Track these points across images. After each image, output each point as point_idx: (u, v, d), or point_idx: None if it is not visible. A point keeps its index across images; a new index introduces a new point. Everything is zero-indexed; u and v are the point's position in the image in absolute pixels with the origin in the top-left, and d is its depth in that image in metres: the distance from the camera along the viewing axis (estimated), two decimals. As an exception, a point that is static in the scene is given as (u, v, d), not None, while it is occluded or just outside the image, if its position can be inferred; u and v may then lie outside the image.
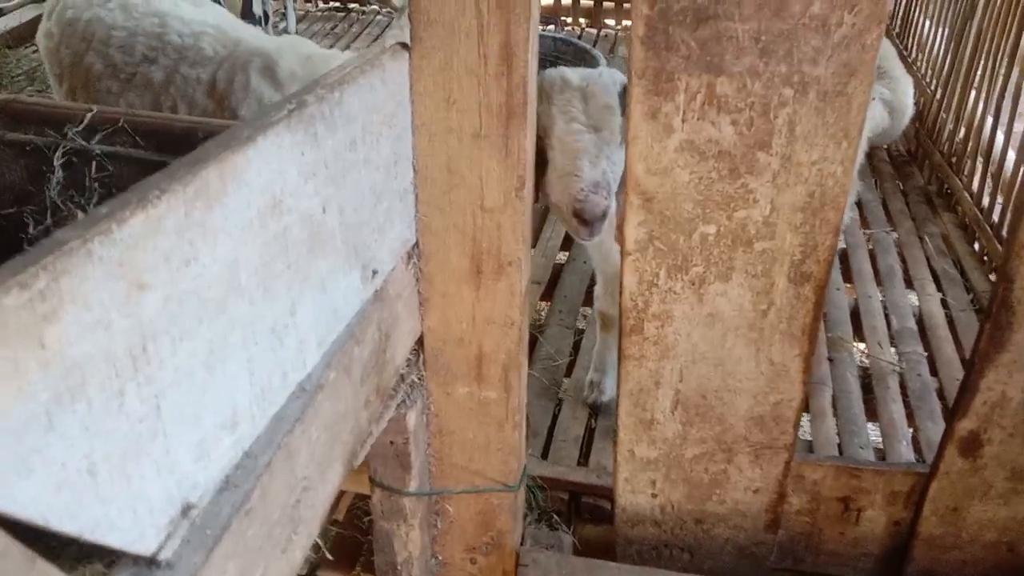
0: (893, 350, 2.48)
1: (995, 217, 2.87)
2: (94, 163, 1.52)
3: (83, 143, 1.54)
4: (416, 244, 1.36)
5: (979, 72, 3.24)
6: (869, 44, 1.11)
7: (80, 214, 1.47)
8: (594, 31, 5.33)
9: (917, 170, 3.59)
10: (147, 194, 0.69)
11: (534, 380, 2.26)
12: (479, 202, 1.31)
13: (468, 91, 1.21)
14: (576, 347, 2.48)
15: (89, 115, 1.54)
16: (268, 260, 0.88)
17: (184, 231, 0.73)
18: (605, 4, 5.30)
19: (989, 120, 3.09)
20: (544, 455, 2.06)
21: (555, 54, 4.32)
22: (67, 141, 1.54)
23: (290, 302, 0.94)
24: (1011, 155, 2.91)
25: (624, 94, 1.63)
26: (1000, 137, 3.02)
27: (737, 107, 1.19)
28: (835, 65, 1.13)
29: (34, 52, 4.98)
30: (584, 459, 2.04)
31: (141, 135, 1.54)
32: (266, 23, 4.29)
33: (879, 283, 2.83)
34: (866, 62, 1.12)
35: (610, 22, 5.38)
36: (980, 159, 3.11)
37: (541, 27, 4.81)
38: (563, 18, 5.40)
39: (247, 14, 4.24)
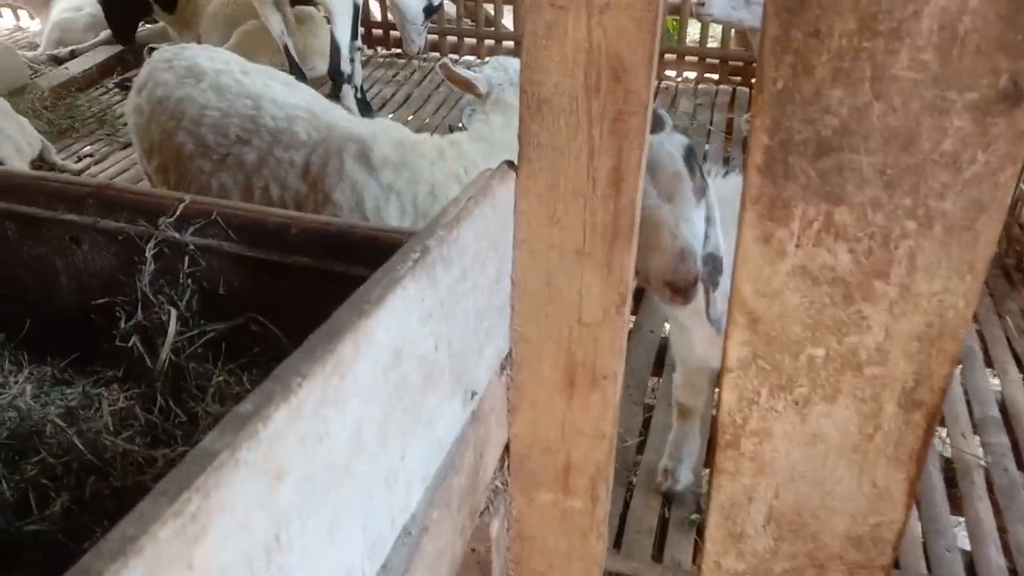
0: (977, 439, 2.38)
1: (1082, 301, 2.76)
2: (187, 257, 1.52)
3: (176, 235, 1.54)
4: (509, 353, 1.33)
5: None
6: (1002, 183, 1.06)
7: (172, 311, 1.46)
8: (655, 82, 5.30)
9: (993, 240, 3.48)
10: (289, 383, 0.66)
11: (604, 462, 2.21)
12: (577, 316, 1.27)
13: (573, 211, 1.19)
14: (646, 424, 2.42)
15: (181, 206, 1.55)
16: (388, 412, 0.85)
17: (319, 408, 0.71)
18: (666, 56, 5.29)
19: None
20: (616, 544, 2.01)
21: (619, 110, 4.30)
22: (159, 232, 1.54)
23: (402, 447, 0.91)
24: (1100, 235, 2.81)
25: (689, 156, 1.60)
26: (1087, 214, 2.92)
27: (856, 236, 1.15)
28: (964, 201, 1.08)
29: (103, 95, 5.11)
30: (658, 552, 1.98)
31: (233, 228, 1.54)
32: (349, 82, 4.33)
33: (958, 362, 2.74)
34: (998, 199, 1.07)
35: (670, 73, 5.37)
36: (1064, 235, 3.01)
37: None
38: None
39: (335, 73, 4.32)
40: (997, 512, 2.11)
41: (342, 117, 2.18)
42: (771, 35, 1.02)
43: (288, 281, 1.50)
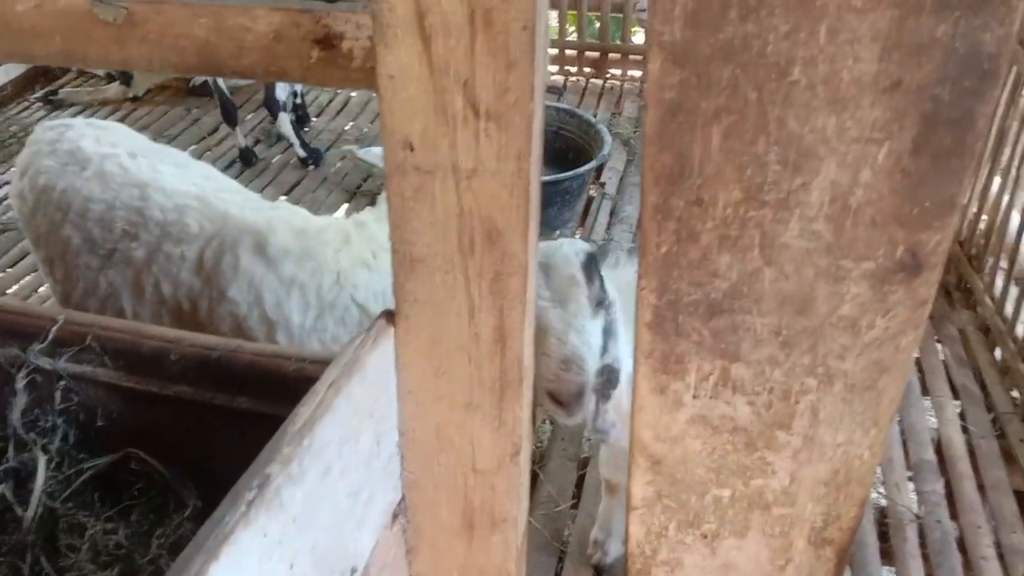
0: (911, 485, 2.37)
1: (1019, 330, 2.74)
2: (58, 392, 1.41)
3: (49, 362, 1.44)
4: (403, 498, 1.25)
5: (1006, 157, 3.11)
6: (904, 346, 0.99)
7: (41, 459, 1.37)
8: (599, 82, 5.20)
9: (934, 254, 3.45)
10: None
11: (534, 531, 2.16)
12: (470, 464, 1.20)
13: (458, 366, 1.11)
14: (580, 482, 2.37)
15: (53, 329, 1.44)
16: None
17: None
18: (610, 55, 5.17)
19: (1015, 216, 2.96)
20: (544, 623, 1.96)
21: (559, 125, 4.22)
22: (29, 360, 1.44)
23: None
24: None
25: (588, 263, 1.53)
26: (1026, 238, 2.89)
27: (755, 390, 1.08)
28: (865, 362, 1.02)
29: (23, 112, 4.88)
30: (587, 633, 1.94)
31: (110, 353, 1.44)
32: (288, 110, 4.20)
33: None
34: (900, 361, 1.01)
35: (615, 72, 5.25)
36: (1004, 257, 2.98)
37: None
38: (567, 68, 5.27)
39: (271, 100, 4.17)
40: (930, 569, 2.09)
41: (236, 204, 2.04)
42: (651, 203, 0.94)
43: (170, 410, 1.40)
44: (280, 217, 2.02)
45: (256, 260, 1.91)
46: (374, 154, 2.03)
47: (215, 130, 4.93)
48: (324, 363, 1.39)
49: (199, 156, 4.85)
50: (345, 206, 4.32)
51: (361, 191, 4.42)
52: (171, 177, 2.05)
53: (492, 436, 1.17)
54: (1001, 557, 2.13)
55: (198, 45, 1.07)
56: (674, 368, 1.09)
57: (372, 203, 4.43)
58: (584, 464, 2.41)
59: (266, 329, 1.94)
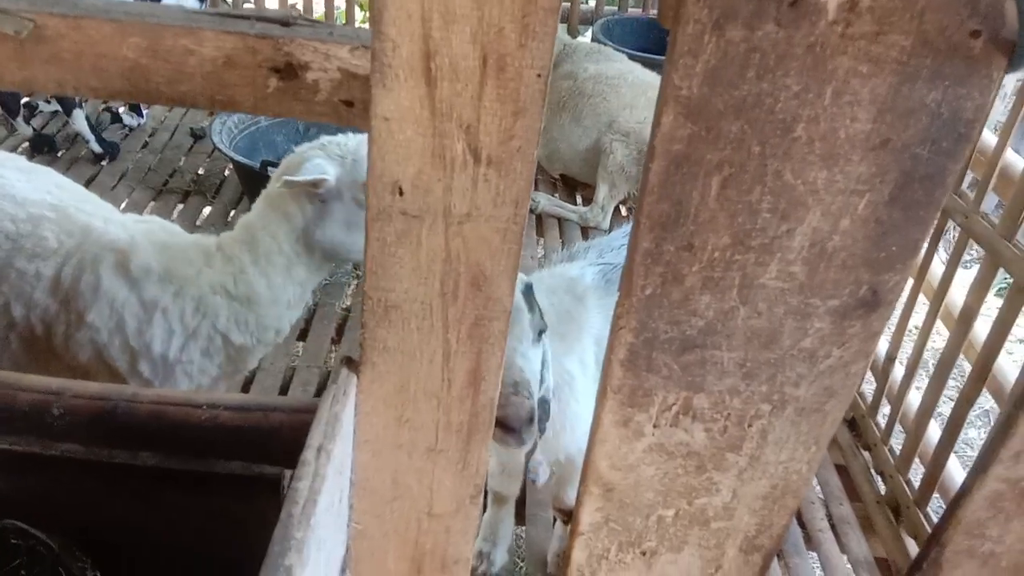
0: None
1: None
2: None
3: None
4: (347, 550, 1.18)
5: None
6: (854, 372, 1.08)
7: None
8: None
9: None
10: None
11: (417, 548, 2.11)
12: (427, 509, 1.16)
13: (425, 412, 1.06)
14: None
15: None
16: None
17: None
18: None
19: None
20: (438, 642, 1.93)
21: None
22: None
23: None
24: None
25: (527, 292, 1.51)
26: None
27: (712, 418, 1.13)
28: (817, 388, 1.09)
29: None
30: (481, 646, 1.94)
31: (-24, 409, 1.24)
32: (81, 105, 3.77)
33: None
34: (848, 386, 1.09)
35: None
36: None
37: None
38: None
39: (64, 97, 3.75)
40: (778, 544, 2.30)
41: (99, 216, 1.80)
42: (642, 248, 0.95)
43: (56, 472, 1.23)
44: (147, 231, 1.79)
45: (118, 280, 1.67)
46: (308, 169, 1.76)
47: (-14, 119, 4.32)
48: (240, 410, 1.28)
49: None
50: (152, 204, 3.96)
51: (168, 188, 4.07)
52: (21, 184, 1.76)
53: (454, 479, 1.13)
54: (833, 527, 2.39)
55: (125, 68, 0.93)
56: (640, 401, 1.11)
57: (183, 201, 4.10)
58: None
59: (128, 358, 1.72)
